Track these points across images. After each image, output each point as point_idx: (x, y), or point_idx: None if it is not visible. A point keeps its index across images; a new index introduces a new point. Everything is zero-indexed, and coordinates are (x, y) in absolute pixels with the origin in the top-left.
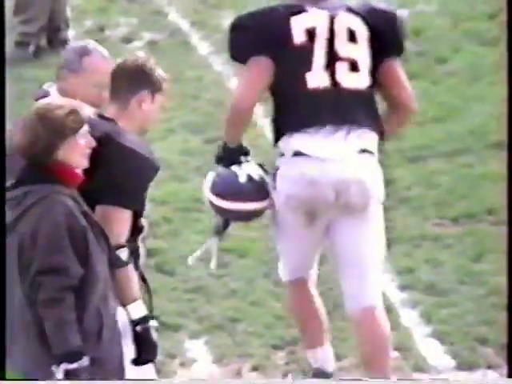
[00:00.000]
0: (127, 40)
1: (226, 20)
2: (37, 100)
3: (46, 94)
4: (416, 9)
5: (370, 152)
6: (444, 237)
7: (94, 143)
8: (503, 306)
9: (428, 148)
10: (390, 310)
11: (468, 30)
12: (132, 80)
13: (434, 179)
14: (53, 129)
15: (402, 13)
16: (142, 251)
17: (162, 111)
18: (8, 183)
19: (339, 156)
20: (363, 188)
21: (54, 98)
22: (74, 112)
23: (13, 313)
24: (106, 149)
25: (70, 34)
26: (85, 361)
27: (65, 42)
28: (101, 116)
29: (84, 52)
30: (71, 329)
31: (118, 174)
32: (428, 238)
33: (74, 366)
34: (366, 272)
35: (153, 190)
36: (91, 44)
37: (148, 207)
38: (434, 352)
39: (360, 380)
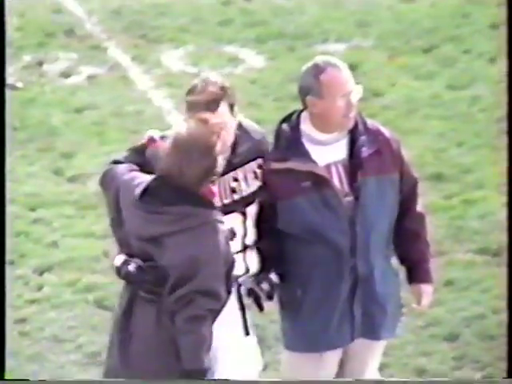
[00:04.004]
0: (66, 74)
1: (166, 55)
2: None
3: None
4: (352, 43)
5: None
6: None
7: None
8: (442, 336)
9: None
10: None
11: (403, 64)
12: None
13: None
14: (209, 154)
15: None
16: None
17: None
18: (139, 194)
19: None
20: None
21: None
22: (219, 134)
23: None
24: None
25: (8, 69)
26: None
27: None
28: None
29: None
30: (206, 348)
31: None
32: None
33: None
34: None
35: (92, 225)
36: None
37: (87, 242)
38: None
39: (360, 380)
